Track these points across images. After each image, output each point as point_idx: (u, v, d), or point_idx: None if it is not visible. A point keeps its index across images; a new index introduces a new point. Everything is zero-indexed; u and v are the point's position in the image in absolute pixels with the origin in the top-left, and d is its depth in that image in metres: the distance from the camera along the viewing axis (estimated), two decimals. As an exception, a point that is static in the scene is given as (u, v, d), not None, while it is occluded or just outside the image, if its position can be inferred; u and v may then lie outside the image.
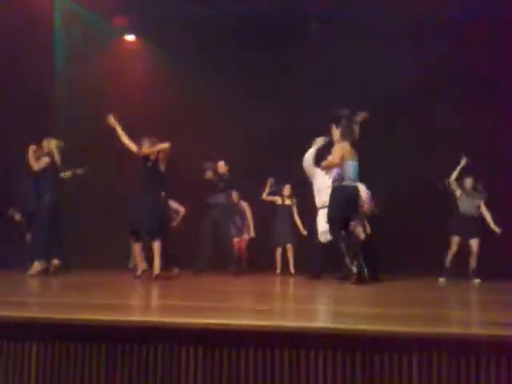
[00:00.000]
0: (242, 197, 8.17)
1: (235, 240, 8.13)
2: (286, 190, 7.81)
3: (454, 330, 2.17)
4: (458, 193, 7.01)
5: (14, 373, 2.25)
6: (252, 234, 8.04)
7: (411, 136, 7.93)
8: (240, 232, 8.14)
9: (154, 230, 5.57)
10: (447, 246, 6.99)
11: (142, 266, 5.56)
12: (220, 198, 7.23)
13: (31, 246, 6.21)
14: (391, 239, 7.34)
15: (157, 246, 5.53)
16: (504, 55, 7.64)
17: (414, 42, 7.94)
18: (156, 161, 5.68)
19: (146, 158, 5.67)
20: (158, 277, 5.40)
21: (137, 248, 5.63)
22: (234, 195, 8.12)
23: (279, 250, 7.77)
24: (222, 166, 7.38)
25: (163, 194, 6.21)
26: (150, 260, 5.76)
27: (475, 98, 7.73)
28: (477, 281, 6.53)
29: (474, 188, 6.96)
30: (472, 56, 7.68)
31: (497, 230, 6.75)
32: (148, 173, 5.66)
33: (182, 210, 7.85)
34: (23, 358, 2.25)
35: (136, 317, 2.34)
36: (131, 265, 7.37)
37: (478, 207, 6.91)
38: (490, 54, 7.69)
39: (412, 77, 7.80)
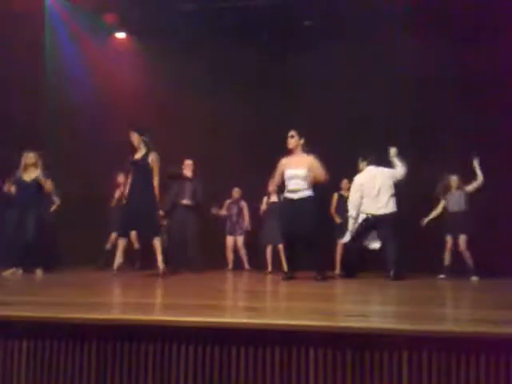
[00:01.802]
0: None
1: (228, 238, 8.14)
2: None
3: (444, 327, 2.17)
4: (444, 199, 7.20)
5: (4, 371, 2.24)
6: (248, 227, 8.07)
7: (410, 136, 7.94)
8: (234, 230, 8.12)
9: (154, 229, 5.66)
10: (443, 245, 7.09)
11: (120, 260, 5.61)
12: (187, 198, 7.15)
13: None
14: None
15: (157, 243, 5.63)
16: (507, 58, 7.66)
17: (412, 41, 7.96)
18: (146, 163, 5.70)
19: (136, 162, 5.70)
20: (164, 274, 5.54)
21: (122, 242, 5.65)
22: (236, 191, 8.12)
23: (269, 249, 7.75)
24: (188, 164, 7.28)
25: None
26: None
27: (475, 99, 7.75)
28: (474, 279, 6.59)
29: (459, 185, 7.05)
30: (475, 61, 7.71)
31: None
32: (139, 173, 5.66)
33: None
34: (13, 356, 2.24)
35: (127, 315, 2.33)
36: (137, 266, 7.42)
37: (464, 202, 6.99)
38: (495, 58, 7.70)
39: (412, 77, 7.86)
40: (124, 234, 5.73)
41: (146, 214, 5.53)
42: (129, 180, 5.78)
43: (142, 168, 5.63)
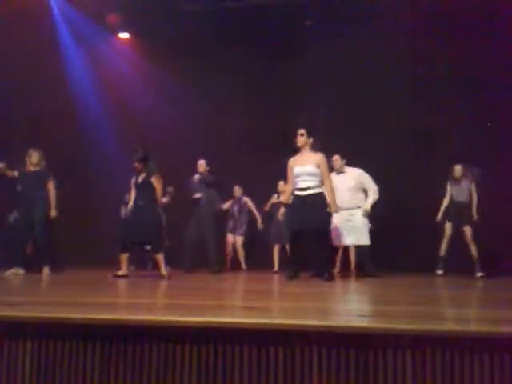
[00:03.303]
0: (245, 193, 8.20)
1: (229, 236, 8.12)
2: (280, 186, 7.72)
3: (448, 327, 2.17)
4: (448, 188, 7.13)
5: (8, 371, 2.24)
6: (259, 225, 8.07)
7: (411, 132, 7.94)
8: (235, 228, 8.11)
9: (157, 245, 5.72)
10: (441, 234, 7.05)
11: (124, 270, 5.62)
12: (202, 198, 7.14)
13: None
14: (388, 237, 7.38)
15: (159, 257, 5.67)
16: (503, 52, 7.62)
17: (412, 39, 7.94)
18: (145, 178, 5.78)
19: (139, 184, 5.78)
20: (165, 277, 5.55)
21: (125, 256, 5.70)
22: (237, 190, 8.11)
23: (277, 248, 7.73)
24: (201, 165, 7.28)
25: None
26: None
27: (473, 96, 7.72)
28: (480, 274, 6.57)
29: (464, 174, 7.02)
30: (469, 53, 7.68)
31: (475, 217, 6.84)
32: (142, 192, 5.75)
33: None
34: (17, 356, 2.24)
35: (129, 315, 2.33)
36: (149, 267, 7.45)
37: (469, 193, 6.97)
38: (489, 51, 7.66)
39: (410, 75, 7.84)
40: (124, 248, 5.73)
41: (148, 230, 5.63)
42: (132, 196, 5.90)
43: (144, 188, 5.75)
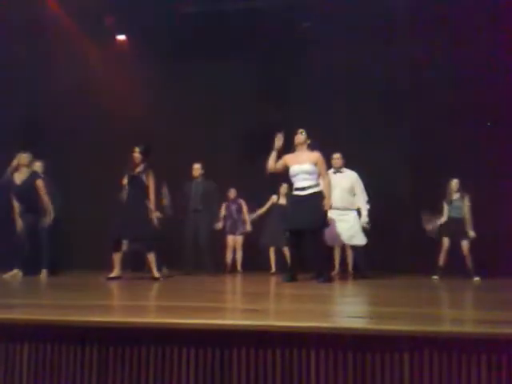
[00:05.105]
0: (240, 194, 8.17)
1: (229, 238, 8.09)
2: (283, 188, 7.70)
3: (445, 328, 2.17)
4: (444, 207, 7.18)
5: (6, 375, 2.24)
6: (248, 228, 7.99)
7: (411, 137, 7.95)
8: (236, 228, 8.07)
9: (148, 244, 5.70)
10: (440, 246, 7.09)
11: (117, 271, 5.60)
12: (197, 201, 7.13)
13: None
14: (386, 238, 7.38)
15: (151, 256, 5.65)
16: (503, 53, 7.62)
17: (412, 40, 7.93)
18: (140, 172, 5.76)
19: (135, 177, 5.76)
20: (157, 279, 5.53)
21: (118, 256, 5.67)
22: (232, 192, 8.07)
23: (272, 249, 7.71)
24: (197, 169, 7.27)
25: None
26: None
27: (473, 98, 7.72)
28: (476, 279, 6.58)
29: (459, 189, 7.06)
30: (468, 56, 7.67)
31: (472, 234, 6.89)
32: (136, 187, 5.72)
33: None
34: (14, 359, 2.24)
35: (127, 318, 2.33)
36: (146, 269, 7.42)
37: (463, 208, 7.04)
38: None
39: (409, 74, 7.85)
40: (117, 247, 5.70)
41: (140, 228, 5.58)
42: (125, 190, 5.86)
43: (139, 183, 5.73)
